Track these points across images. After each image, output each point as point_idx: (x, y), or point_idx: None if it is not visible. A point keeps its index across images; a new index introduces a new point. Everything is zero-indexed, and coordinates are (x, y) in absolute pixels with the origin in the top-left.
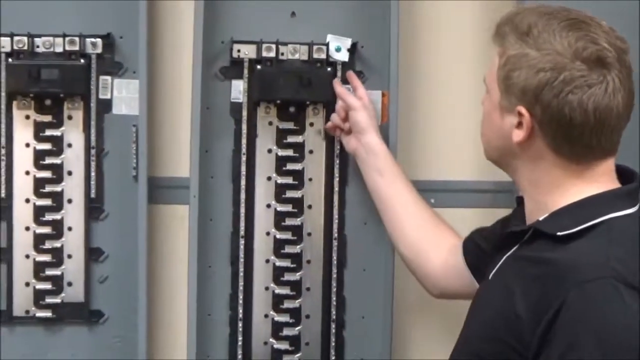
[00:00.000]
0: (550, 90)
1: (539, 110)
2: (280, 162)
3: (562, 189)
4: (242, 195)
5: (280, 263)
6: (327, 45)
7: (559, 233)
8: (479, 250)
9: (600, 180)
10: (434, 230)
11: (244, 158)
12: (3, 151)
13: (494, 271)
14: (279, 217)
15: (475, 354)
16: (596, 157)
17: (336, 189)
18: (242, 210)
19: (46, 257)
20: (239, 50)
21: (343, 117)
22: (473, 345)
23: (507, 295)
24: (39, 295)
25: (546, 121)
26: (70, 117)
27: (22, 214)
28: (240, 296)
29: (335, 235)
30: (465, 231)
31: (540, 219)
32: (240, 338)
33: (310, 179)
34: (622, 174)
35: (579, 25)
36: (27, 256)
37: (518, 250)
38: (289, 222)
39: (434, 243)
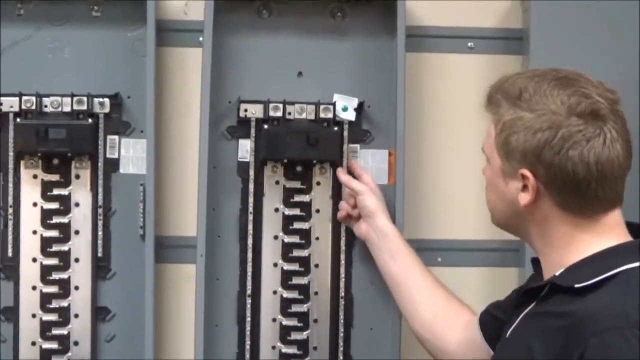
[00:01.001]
0: (550, 149)
1: (542, 171)
2: (287, 221)
3: (574, 245)
4: (249, 254)
5: (287, 322)
6: (333, 104)
7: (576, 285)
8: (495, 321)
9: (611, 232)
10: (449, 308)
11: (250, 217)
12: (10, 210)
13: (511, 329)
14: (286, 276)
15: None
16: (604, 209)
17: (343, 248)
18: (249, 269)
19: (53, 317)
20: (246, 110)
21: (352, 204)
22: None
23: (526, 351)
24: (45, 355)
25: (551, 180)
26: (77, 177)
27: (29, 273)
28: (247, 355)
29: (342, 294)
30: (472, 290)
31: (557, 274)
32: None
33: (317, 238)
34: (633, 228)
35: (568, 82)
36: (34, 315)
37: (535, 307)
38: (295, 281)
39: (449, 322)
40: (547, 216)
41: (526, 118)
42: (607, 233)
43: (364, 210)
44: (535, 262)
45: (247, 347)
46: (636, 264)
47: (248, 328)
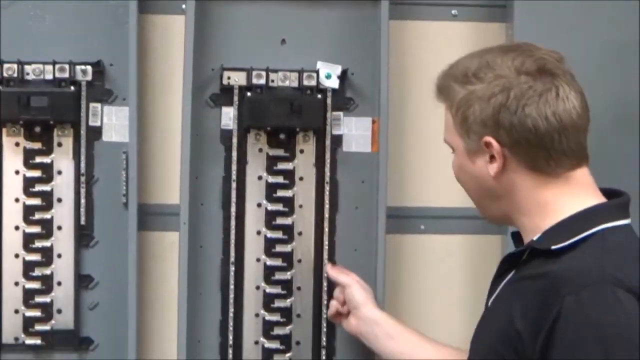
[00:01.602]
0: (507, 111)
1: (504, 135)
2: (271, 189)
3: (550, 208)
4: (232, 222)
5: (270, 289)
6: (317, 72)
7: (553, 247)
8: None
9: (585, 192)
10: None
11: (234, 185)
12: None
13: (492, 298)
14: (269, 243)
15: None
16: (572, 164)
17: (326, 215)
18: (232, 237)
19: (35, 285)
20: (229, 78)
21: (342, 300)
22: None
23: (506, 315)
24: (28, 323)
25: (515, 142)
26: (60, 144)
27: (11, 241)
28: (231, 322)
29: (326, 261)
30: (455, 258)
31: (534, 238)
32: None
33: (300, 206)
34: (609, 194)
35: (510, 49)
36: (17, 283)
37: (515, 274)
38: (279, 248)
39: None
40: (519, 183)
41: (477, 90)
42: (581, 193)
43: (351, 303)
44: (515, 237)
45: (231, 314)
46: (612, 224)
47: (231, 295)
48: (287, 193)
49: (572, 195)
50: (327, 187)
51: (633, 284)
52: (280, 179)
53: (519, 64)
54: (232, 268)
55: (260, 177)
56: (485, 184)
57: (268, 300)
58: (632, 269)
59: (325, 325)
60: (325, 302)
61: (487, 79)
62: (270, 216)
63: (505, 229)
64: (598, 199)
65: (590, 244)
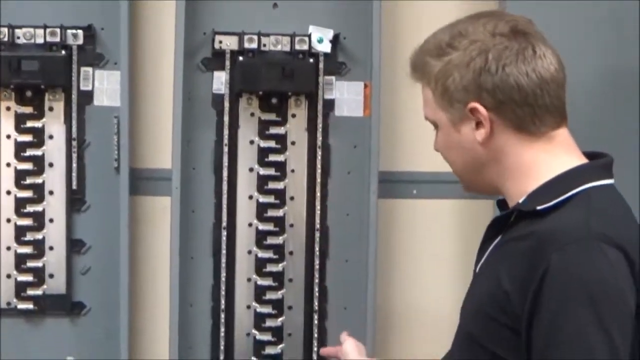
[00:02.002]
0: (488, 73)
1: (488, 97)
2: (263, 153)
3: (535, 170)
4: (224, 187)
5: (262, 254)
6: (309, 36)
7: (538, 208)
8: None
9: (568, 153)
10: None
11: (225, 149)
12: None
13: (480, 264)
14: (261, 208)
15: (471, 338)
16: (555, 122)
17: (319, 180)
18: (224, 201)
19: (27, 249)
20: (220, 42)
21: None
22: (468, 331)
23: (494, 279)
24: (20, 287)
25: (499, 103)
26: (51, 109)
27: (3, 205)
28: (223, 287)
29: (318, 226)
30: (446, 222)
31: (520, 201)
32: (222, 329)
33: (292, 171)
34: (591, 156)
35: (480, 15)
36: (9, 248)
37: (502, 238)
38: (271, 213)
39: None
40: (506, 146)
41: (454, 58)
42: (564, 154)
43: (345, 356)
44: (501, 205)
45: (223, 279)
46: (597, 183)
47: (223, 260)
48: (279, 157)
49: (556, 155)
50: (319, 152)
51: (618, 240)
52: (272, 144)
53: (492, 27)
54: (224, 233)
55: (252, 142)
56: (472, 152)
57: (260, 265)
58: (618, 226)
59: (317, 290)
60: (317, 266)
61: (462, 46)
62: (262, 181)
63: None
64: (580, 159)
65: (575, 203)
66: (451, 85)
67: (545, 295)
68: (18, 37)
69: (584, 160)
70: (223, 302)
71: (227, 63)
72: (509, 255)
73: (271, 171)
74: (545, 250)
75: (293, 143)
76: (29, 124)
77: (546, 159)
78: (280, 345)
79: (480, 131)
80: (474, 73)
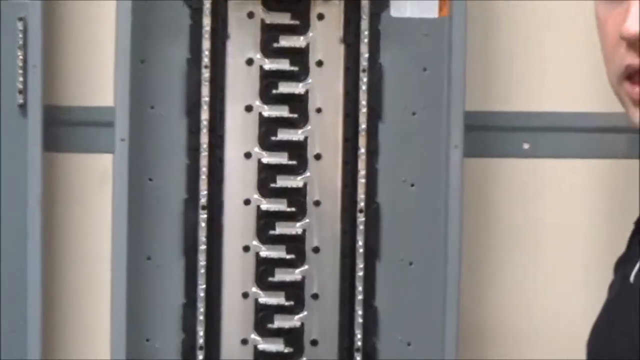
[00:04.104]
0: None
1: None
2: (268, 80)
3: None
4: (204, 138)
5: (267, 253)
6: None
7: None
8: None
9: None
10: None
11: (206, 74)
12: None
13: (635, 270)
14: (266, 174)
15: None
16: None
17: (363, 126)
18: (204, 163)
19: None
20: None
21: None
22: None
23: None
24: None
25: None
26: None
27: None
28: (200, 308)
29: (362, 205)
30: (577, 197)
31: None
32: None
33: (318, 110)
34: None
35: None
36: None
37: None
38: (282, 182)
39: None
40: None
41: None
42: None
43: None
44: None
45: (201, 294)
46: None
47: (202, 262)
48: (296, 88)
49: None
50: (363, 78)
51: None
52: (284, 65)
53: None
54: (204, 216)
55: (250, 61)
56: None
57: (264, 270)
58: None
59: (361, 313)
60: (360, 273)
61: None
62: (266, 127)
63: None
64: None
65: None
66: None
67: None
68: None
69: None
70: (201, 334)
71: None
72: None
73: (282, 111)
74: None
75: (320, 63)
76: None
77: None
78: None
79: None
80: None
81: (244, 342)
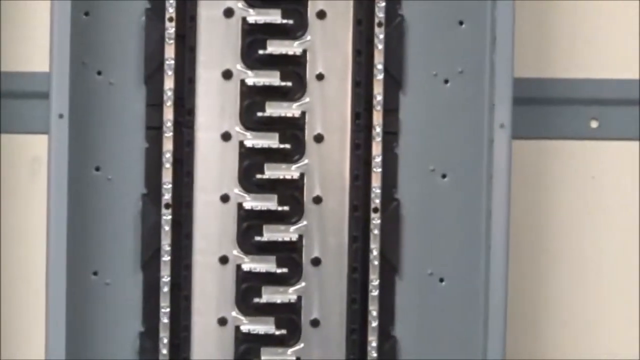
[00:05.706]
0: None
1: None
2: (253, 37)
3: None
4: (168, 114)
5: (252, 265)
6: None
7: None
8: None
9: None
10: None
11: (171, 29)
12: None
13: None
14: (251, 162)
15: None
16: None
17: (379, 98)
18: (168, 147)
19: None
20: None
21: None
22: None
23: None
24: None
25: None
26: None
27: None
28: (164, 339)
29: (376, 202)
30: None
31: None
32: None
33: (319, 76)
34: None
35: None
36: None
37: None
38: (271, 173)
39: None
40: None
41: None
42: None
43: None
44: None
45: (164, 320)
46: None
47: (166, 278)
48: (290, 48)
49: None
50: (379, 35)
51: None
52: (274, 17)
53: None
54: (167, 216)
55: (229, 12)
56: None
57: (247, 289)
58: None
59: (375, 344)
60: (374, 292)
61: None
62: (251, 100)
63: None
64: None
65: None
66: None
67: None
68: None
69: None
70: None
71: None
72: None
73: (272, 77)
74: None
75: (321, 15)
76: None
77: None
78: None
79: None
80: None
81: None
